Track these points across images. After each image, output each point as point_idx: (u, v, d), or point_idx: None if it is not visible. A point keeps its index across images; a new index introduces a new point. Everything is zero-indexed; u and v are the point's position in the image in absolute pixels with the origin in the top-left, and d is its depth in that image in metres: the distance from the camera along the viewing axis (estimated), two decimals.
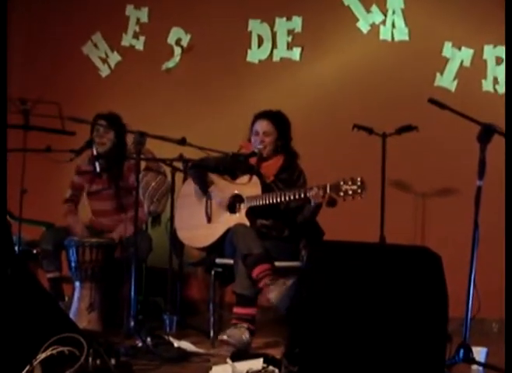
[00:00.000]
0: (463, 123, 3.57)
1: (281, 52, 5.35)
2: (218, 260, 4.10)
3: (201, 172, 4.26)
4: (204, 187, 4.23)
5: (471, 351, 3.38)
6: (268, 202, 3.97)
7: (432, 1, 5.10)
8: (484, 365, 3.48)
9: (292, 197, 3.89)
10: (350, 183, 3.68)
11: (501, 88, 4.87)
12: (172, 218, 4.39)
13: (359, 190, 3.67)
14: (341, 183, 3.69)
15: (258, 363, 3.27)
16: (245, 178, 4.16)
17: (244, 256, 3.85)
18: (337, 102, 5.18)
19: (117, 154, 4.67)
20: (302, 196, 3.85)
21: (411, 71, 5.02)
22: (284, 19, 5.33)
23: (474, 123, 3.49)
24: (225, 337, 3.77)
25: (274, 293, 3.74)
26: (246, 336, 3.79)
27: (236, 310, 3.87)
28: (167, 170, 4.62)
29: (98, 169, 4.51)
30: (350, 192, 3.67)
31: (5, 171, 3.43)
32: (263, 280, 3.79)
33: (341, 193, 3.69)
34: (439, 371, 2.92)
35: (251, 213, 4.06)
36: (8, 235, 3.27)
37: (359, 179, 3.68)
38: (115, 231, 4.62)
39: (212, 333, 4.08)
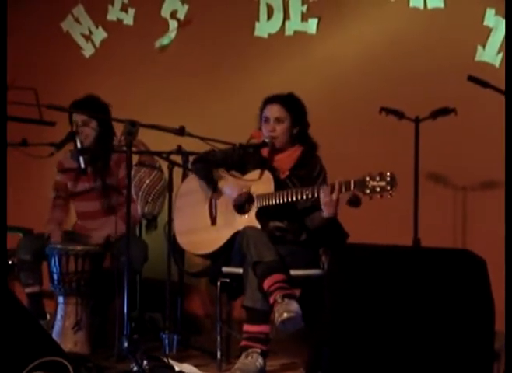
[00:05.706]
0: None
1: (294, 24, 5.35)
2: (224, 269, 4.11)
3: (209, 166, 4.28)
4: (213, 183, 4.25)
5: None
6: (281, 201, 3.98)
7: None
8: None
9: (301, 197, 3.89)
10: (378, 178, 3.66)
11: None
12: (170, 221, 4.40)
13: (389, 187, 3.65)
14: (368, 178, 3.68)
15: None
16: (256, 173, 4.17)
17: (254, 263, 3.86)
18: (361, 82, 5.17)
19: (103, 145, 4.69)
20: (310, 196, 3.87)
21: (447, 43, 5.00)
22: None
23: None
24: None
25: (278, 314, 3.70)
26: (259, 362, 3.80)
27: (247, 328, 3.88)
28: (163, 165, 4.64)
29: (83, 165, 4.52)
30: (378, 189, 3.66)
31: (5, 173, 3.48)
32: (274, 294, 3.77)
33: (368, 191, 3.67)
34: None
35: (263, 214, 4.08)
36: None
37: (388, 173, 3.66)
38: (101, 232, 4.63)
39: (218, 354, 4.09)
